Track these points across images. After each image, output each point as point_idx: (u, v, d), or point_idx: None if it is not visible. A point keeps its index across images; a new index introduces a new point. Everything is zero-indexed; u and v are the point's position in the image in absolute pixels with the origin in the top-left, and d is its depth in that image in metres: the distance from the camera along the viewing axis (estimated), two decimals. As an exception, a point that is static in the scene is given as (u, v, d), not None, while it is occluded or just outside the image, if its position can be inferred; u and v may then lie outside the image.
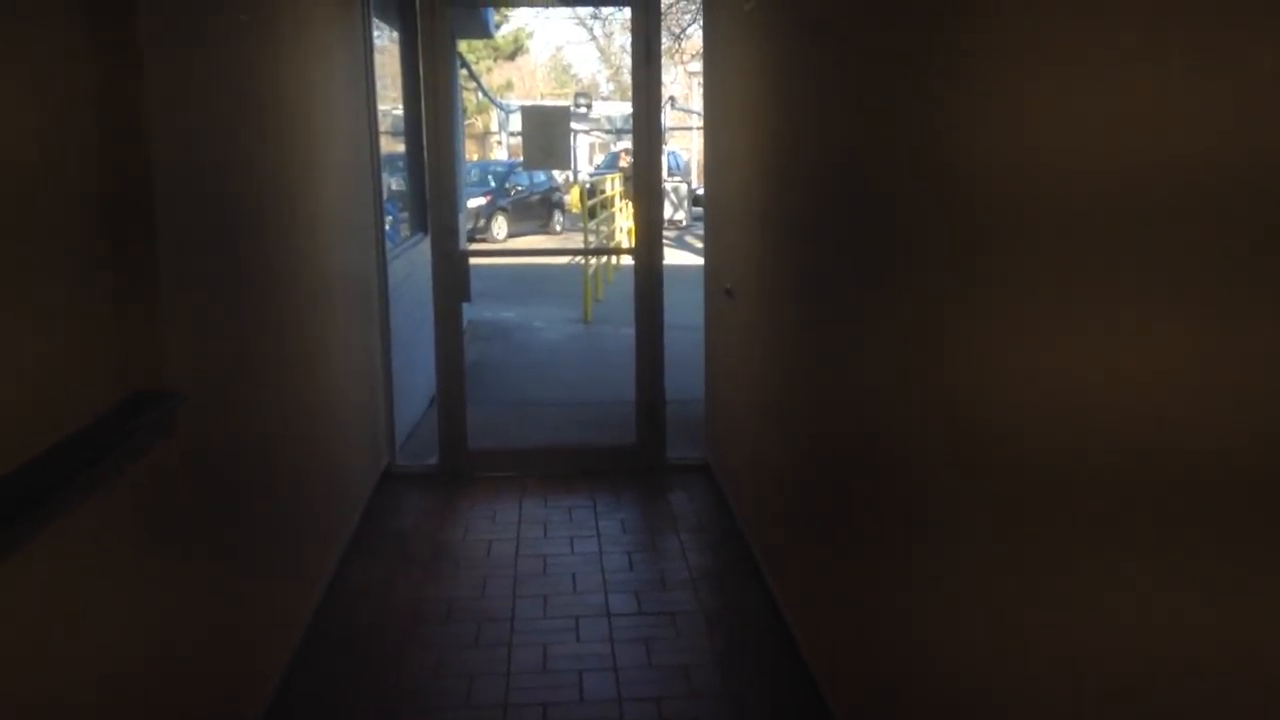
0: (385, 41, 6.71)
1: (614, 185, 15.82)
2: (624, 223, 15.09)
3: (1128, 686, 1.43)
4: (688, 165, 24.68)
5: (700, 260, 5.94)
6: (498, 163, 23.20)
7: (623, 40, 32.27)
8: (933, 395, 2.19)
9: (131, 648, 2.19)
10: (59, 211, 2.05)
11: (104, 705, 2.04)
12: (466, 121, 23.18)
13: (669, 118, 24.45)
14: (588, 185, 15.11)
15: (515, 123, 26.02)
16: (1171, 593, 1.33)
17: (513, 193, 19.94)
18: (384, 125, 6.51)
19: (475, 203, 17.93)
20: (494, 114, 27.46)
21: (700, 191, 20.70)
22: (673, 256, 14.45)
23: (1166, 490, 1.34)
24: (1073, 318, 1.56)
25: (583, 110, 24.92)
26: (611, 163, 22.01)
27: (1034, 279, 1.68)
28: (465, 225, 6.89)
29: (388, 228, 6.15)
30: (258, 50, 3.24)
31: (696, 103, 26.89)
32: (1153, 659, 1.37)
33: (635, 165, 5.41)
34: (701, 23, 6.11)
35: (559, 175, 19.50)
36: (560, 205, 20.30)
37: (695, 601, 3.95)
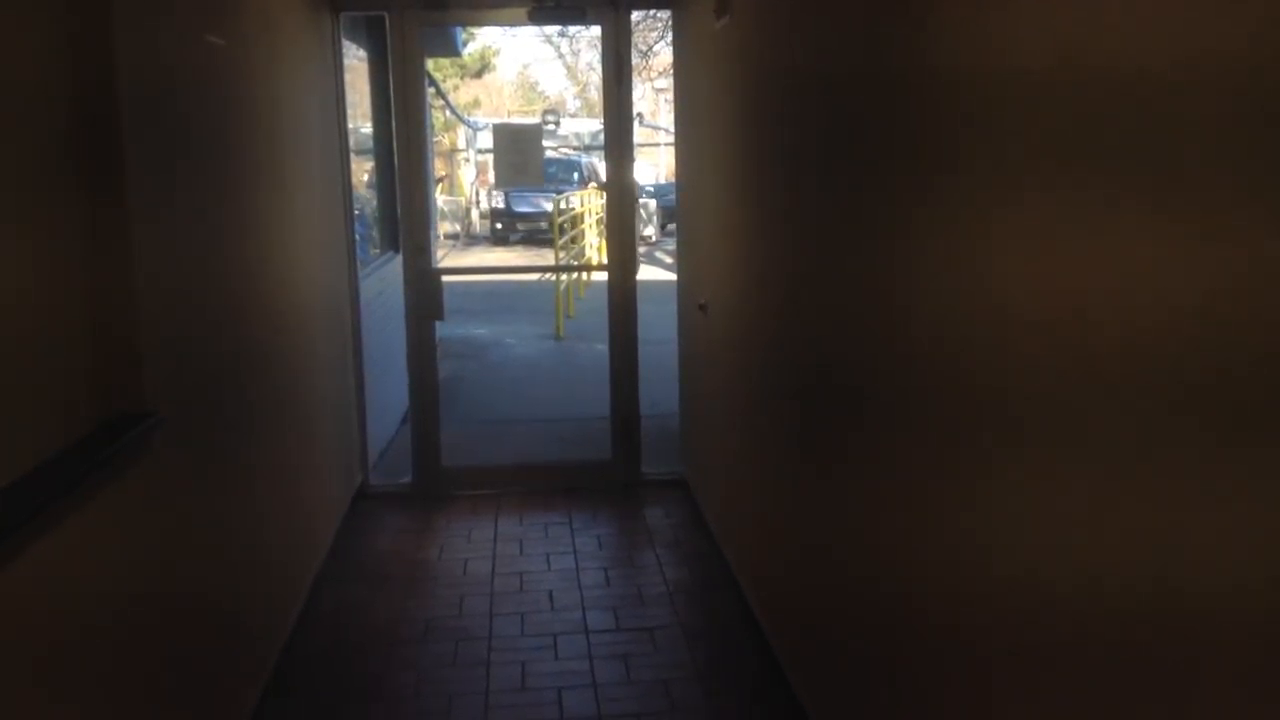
0: (352, 60, 6.71)
1: (583, 202, 15.85)
2: (593, 239, 15.11)
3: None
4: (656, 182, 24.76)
5: (671, 275, 5.97)
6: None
7: (590, 58, 32.39)
8: (908, 385, 2.21)
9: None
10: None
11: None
12: (434, 139, 23.13)
13: (637, 134, 24.51)
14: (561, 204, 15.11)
15: (483, 140, 25.98)
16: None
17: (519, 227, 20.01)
18: (352, 143, 6.49)
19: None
20: (461, 131, 27.41)
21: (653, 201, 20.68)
22: (644, 272, 14.54)
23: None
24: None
25: (551, 127, 24.95)
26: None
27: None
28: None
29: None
30: (230, 70, 3.23)
31: (664, 119, 27.01)
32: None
33: (608, 182, 5.43)
34: (669, 40, 6.15)
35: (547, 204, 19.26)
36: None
37: (673, 616, 3.95)
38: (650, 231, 20.75)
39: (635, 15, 5.17)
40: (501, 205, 20.92)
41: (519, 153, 5.46)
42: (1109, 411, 1.43)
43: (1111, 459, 1.43)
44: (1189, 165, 1.26)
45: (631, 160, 5.38)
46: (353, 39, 6.44)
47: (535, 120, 20.63)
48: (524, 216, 20.40)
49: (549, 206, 18.52)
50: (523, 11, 5.09)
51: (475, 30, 25.66)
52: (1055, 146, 1.56)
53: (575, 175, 21.45)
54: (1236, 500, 1.19)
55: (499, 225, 21.26)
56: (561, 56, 34.52)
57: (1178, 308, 1.28)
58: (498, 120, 24.78)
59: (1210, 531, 1.24)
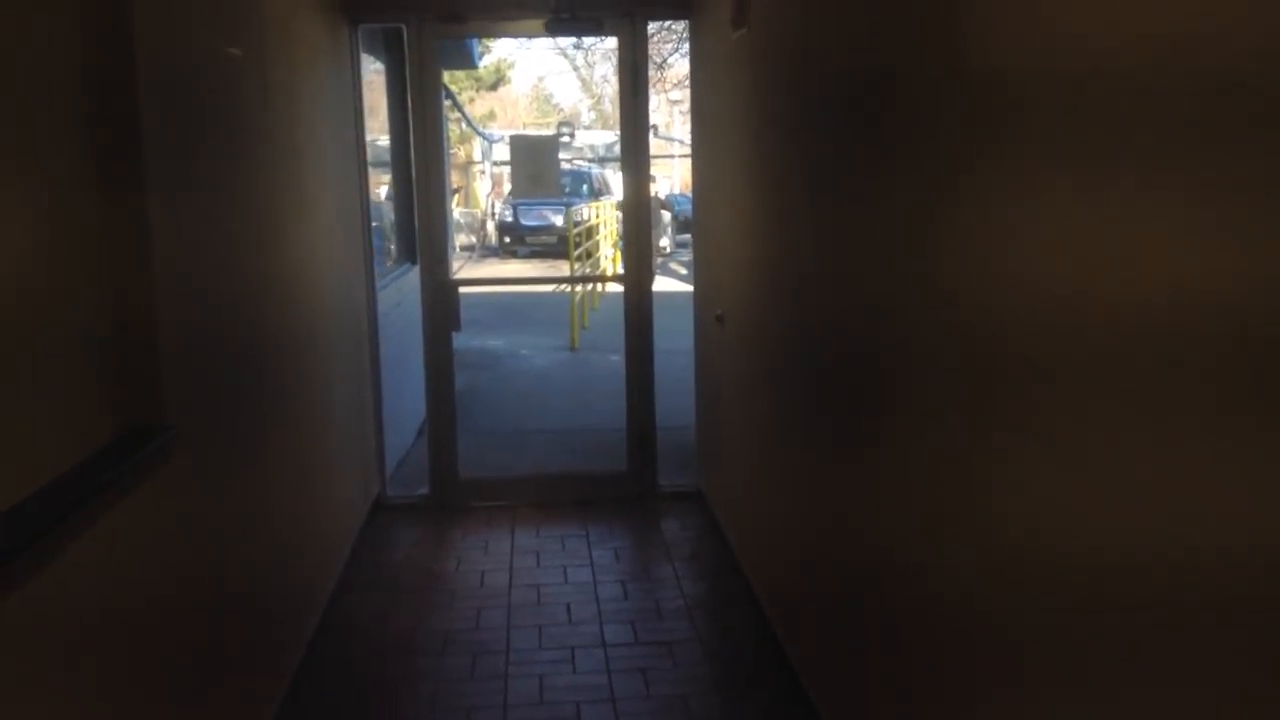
0: (370, 73, 6.74)
1: (598, 214, 15.87)
2: (608, 250, 15.13)
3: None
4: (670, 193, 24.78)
5: (685, 286, 5.96)
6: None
7: (604, 70, 32.48)
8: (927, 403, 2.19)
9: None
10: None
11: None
12: (450, 151, 23.22)
13: (651, 146, 24.55)
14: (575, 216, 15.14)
15: (499, 152, 26.07)
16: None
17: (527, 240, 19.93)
18: (370, 155, 6.52)
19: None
20: (477, 144, 27.52)
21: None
22: (658, 283, 14.56)
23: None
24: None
25: (566, 139, 25.01)
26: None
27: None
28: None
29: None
30: (249, 84, 3.24)
31: (678, 131, 27.04)
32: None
33: (624, 193, 5.42)
34: (685, 52, 6.15)
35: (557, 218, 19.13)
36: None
37: (692, 630, 3.92)
38: (665, 243, 20.77)
39: (650, 27, 5.18)
40: (510, 219, 20.76)
41: (536, 164, 5.47)
42: (1158, 399, 1.41)
43: (1162, 445, 1.40)
44: (1218, 146, 1.24)
45: (647, 172, 5.38)
46: (371, 51, 6.47)
47: (551, 132, 20.63)
48: (533, 230, 20.28)
49: (558, 220, 18.48)
50: (539, 23, 5.10)
51: (491, 43, 25.78)
52: (1079, 142, 1.54)
53: (585, 187, 21.43)
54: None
55: (507, 239, 21.09)
56: (576, 69, 34.63)
57: (1221, 290, 1.26)
58: (514, 132, 24.80)
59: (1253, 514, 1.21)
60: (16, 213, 1.89)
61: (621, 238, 5.71)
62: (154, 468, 2.29)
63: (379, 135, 7.09)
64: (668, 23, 11.23)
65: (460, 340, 9.35)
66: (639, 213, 5.37)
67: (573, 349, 10.56)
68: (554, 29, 5.14)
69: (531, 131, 27.61)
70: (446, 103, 13.09)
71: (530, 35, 5.36)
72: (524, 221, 20.31)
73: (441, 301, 5.28)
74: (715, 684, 3.52)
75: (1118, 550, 1.48)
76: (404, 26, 5.08)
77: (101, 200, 2.21)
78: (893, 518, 2.48)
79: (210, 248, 2.80)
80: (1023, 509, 1.78)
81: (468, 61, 10.30)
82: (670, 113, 29.68)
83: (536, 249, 20.24)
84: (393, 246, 7.14)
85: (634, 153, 5.26)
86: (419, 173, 5.21)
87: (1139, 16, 1.40)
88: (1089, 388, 1.54)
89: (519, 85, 40.32)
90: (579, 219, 14.98)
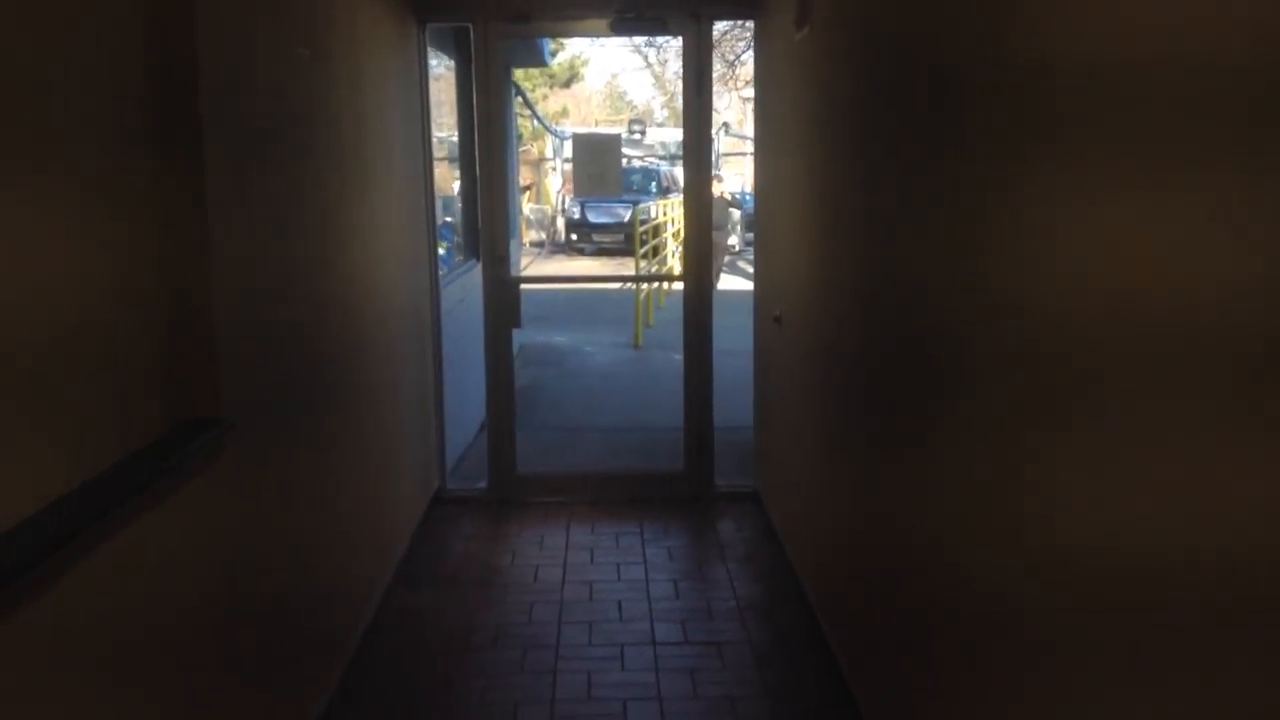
0: (441, 70, 6.83)
1: (665, 211, 15.86)
2: (675, 247, 15.11)
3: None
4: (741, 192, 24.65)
5: (746, 284, 5.93)
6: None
7: (677, 67, 32.37)
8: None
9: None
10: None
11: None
12: (522, 148, 23.40)
13: (723, 144, 24.44)
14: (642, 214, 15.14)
15: (569, 149, 26.18)
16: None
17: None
18: (441, 152, 6.61)
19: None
20: (549, 140, 27.70)
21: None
22: (724, 281, 14.50)
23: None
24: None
25: (637, 136, 25.01)
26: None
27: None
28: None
29: (442, 253, 6.23)
30: (316, 82, 3.30)
31: (749, 129, 26.88)
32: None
33: (685, 191, 5.42)
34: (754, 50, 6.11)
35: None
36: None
37: (742, 632, 3.91)
38: (734, 241, 20.65)
39: (723, 25, 5.17)
40: (577, 215, 20.75)
41: (598, 163, 5.49)
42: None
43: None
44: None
45: (710, 171, 5.36)
46: (442, 49, 6.56)
47: (615, 130, 20.61)
48: (600, 227, 20.24)
49: (626, 217, 18.45)
50: (604, 23, 5.12)
51: (564, 41, 25.93)
52: (1142, 144, 1.50)
53: (653, 185, 21.34)
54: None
55: (574, 236, 21.10)
56: (649, 66, 34.64)
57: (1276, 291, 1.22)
58: (580, 129, 24.89)
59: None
60: (80, 210, 1.95)
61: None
62: (208, 460, 2.35)
63: (452, 132, 7.18)
64: (740, 21, 11.18)
65: (525, 336, 9.48)
66: (700, 212, 5.36)
67: (636, 347, 10.58)
68: (619, 28, 5.15)
69: (595, 129, 27.65)
70: (517, 100, 13.16)
71: (595, 35, 5.38)
72: (591, 219, 20.31)
73: (503, 299, 5.33)
74: (764, 687, 3.50)
75: (1179, 554, 1.43)
76: (471, 25, 5.14)
77: (163, 199, 2.27)
78: (945, 525, 2.44)
79: (273, 245, 2.86)
80: (1077, 517, 1.73)
81: (538, 59, 10.38)
82: (742, 110, 29.52)
83: (603, 246, 20.24)
84: (460, 242, 7.23)
85: (697, 152, 5.25)
86: (483, 170, 5.27)
87: (1201, 9, 1.35)
88: (1140, 388, 1.50)
89: (592, 82, 40.50)
90: (645, 216, 14.96)
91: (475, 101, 5.22)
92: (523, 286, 5.44)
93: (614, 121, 35.77)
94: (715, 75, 6.59)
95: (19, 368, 1.73)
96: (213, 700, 2.41)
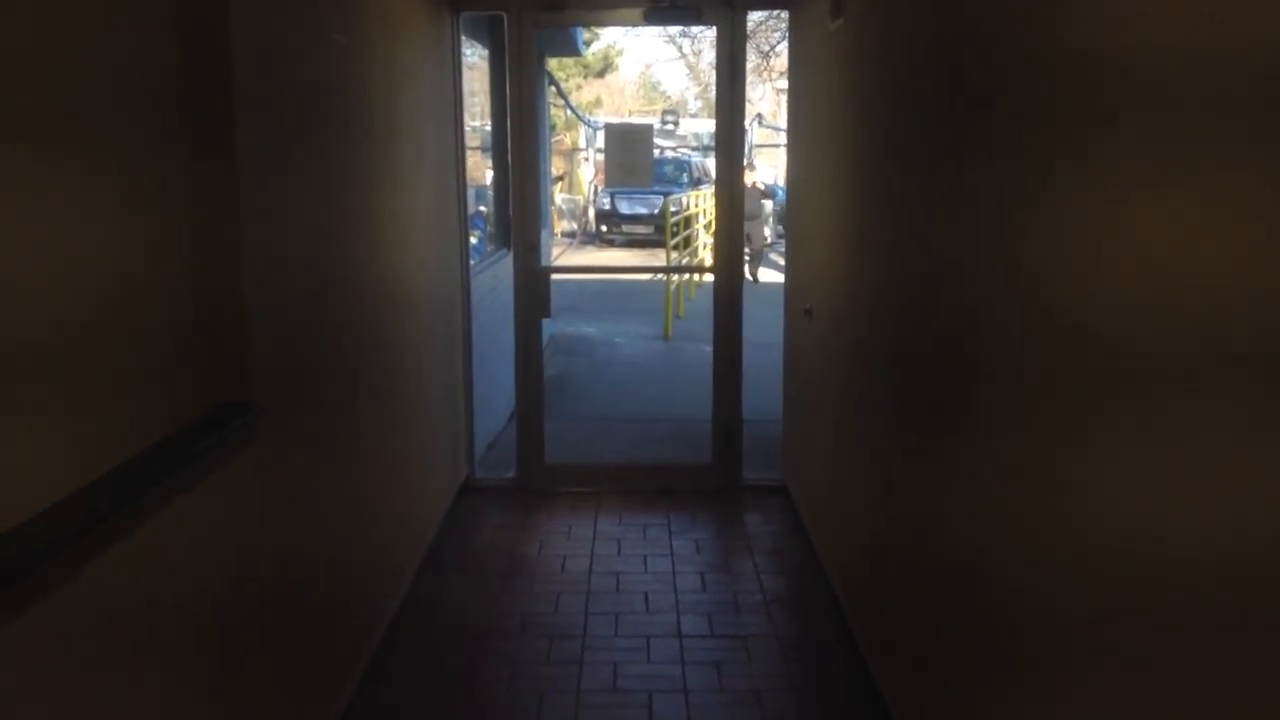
0: (475, 59, 6.83)
1: (696, 202, 15.81)
2: (707, 239, 15.06)
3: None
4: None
5: (782, 278, 5.90)
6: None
7: (711, 57, 32.25)
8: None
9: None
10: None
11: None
12: (555, 138, 23.39)
13: (756, 135, 24.31)
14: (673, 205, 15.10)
15: (602, 139, 26.13)
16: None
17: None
18: (474, 142, 6.61)
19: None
20: (582, 130, 27.70)
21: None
22: (762, 274, 14.44)
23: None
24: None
25: (670, 127, 24.93)
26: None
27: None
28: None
29: (474, 242, 6.25)
30: (348, 69, 3.31)
31: (784, 120, 26.74)
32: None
33: (717, 182, 5.39)
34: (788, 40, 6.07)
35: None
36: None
37: (768, 625, 3.90)
38: (767, 232, 20.55)
39: (758, 15, 5.14)
40: (607, 206, 20.61)
41: (629, 153, 5.48)
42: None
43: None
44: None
45: (741, 162, 5.33)
46: (476, 38, 6.57)
47: (647, 120, 20.51)
48: (631, 218, 20.16)
49: (657, 208, 18.38)
50: (638, 12, 5.10)
51: (598, 30, 25.87)
52: (1185, 142, 1.47)
53: (685, 176, 21.27)
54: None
55: (604, 227, 20.98)
56: (683, 56, 34.56)
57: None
58: (613, 119, 24.81)
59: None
60: (116, 199, 1.97)
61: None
62: (240, 445, 2.37)
63: (485, 121, 7.19)
64: (775, 11, 11.12)
65: (556, 326, 9.50)
66: (732, 204, 5.34)
67: (666, 338, 10.57)
68: (653, 19, 5.13)
69: (627, 120, 27.59)
70: (550, 89, 13.14)
71: (629, 24, 5.37)
72: (622, 209, 20.27)
73: (533, 288, 5.33)
74: (789, 681, 3.49)
75: (1215, 555, 1.41)
76: (505, 14, 5.14)
77: (197, 187, 2.29)
78: (977, 522, 2.41)
79: (304, 233, 2.87)
80: (1113, 517, 1.71)
81: (572, 48, 10.36)
82: (777, 101, 29.38)
83: (634, 237, 20.19)
84: (492, 231, 7.25)
85: (729, 143, 5.23)
86: (514, 159, 5.27)
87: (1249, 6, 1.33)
88: (1176, 389, 1.48)
89: (627, 72, 40.46)
90: (676, 207, 14.90)
91: (508, 91, 5.22)
92: (553, 276, 5.45)
93: (648, 111, 35.68)
94: (749, 66, 6.56)
95: (55, 354, 1.75)
96: (245, 681, 2.43)
